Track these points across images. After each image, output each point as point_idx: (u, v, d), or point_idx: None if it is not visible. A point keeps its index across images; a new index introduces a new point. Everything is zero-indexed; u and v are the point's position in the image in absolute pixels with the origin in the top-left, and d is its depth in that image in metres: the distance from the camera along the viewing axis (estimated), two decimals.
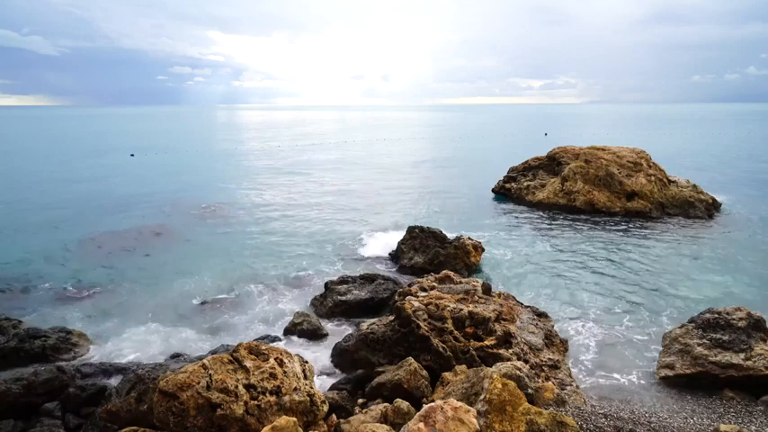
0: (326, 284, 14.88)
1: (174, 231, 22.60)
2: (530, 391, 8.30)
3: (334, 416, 8.02)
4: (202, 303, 14.51)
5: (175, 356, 11.20)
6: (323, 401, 7.79)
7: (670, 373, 10.04)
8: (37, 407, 9.30)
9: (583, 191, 24.43)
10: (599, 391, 9.81)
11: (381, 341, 10.59)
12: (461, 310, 10.78)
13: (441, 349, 9.90)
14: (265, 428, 6.36)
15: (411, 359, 9.48)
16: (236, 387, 7.20)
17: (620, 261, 17.58)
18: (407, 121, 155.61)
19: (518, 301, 12.80)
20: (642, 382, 10.16)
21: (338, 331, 12.69)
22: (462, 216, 24.81)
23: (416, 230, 17.86)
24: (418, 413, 6.63)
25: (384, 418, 7.65)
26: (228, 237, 21.72)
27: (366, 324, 11.49)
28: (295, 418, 6.60)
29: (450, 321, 10.53)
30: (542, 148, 32.72)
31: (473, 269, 16.55)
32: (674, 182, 25.82)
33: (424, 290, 12.42)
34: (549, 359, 10.25)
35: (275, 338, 12.18)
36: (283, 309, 14.13)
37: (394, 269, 17.25)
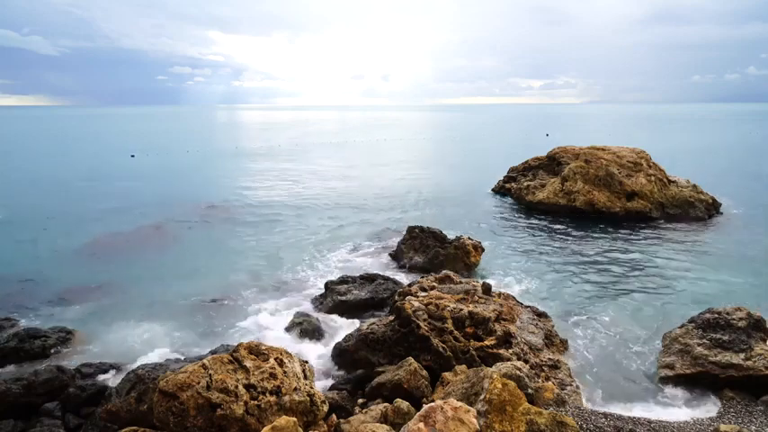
0: (326, 284, 14.89)
1: (175, 231, 22.60)
2: (530, 391, 8.31)
3: (334, 416, 8.03)
4: (202, 303, 14.51)
5: (175, 356, 11.20)
6: (323, 401, 7.79)
7: (670, 373, 10.05)
8: (37, 407, 9.31)
9: (583, 191, 24.42)
10: (599, 390, 9.81)
11: (381, 341, 10.59)
12: (461, 310, 10.78)
13: (441, 349, 9.91)
14: (265, 428, 6.36)
15: (411, 359, 9.48)
16: (236, 387, 7.21)
17: (620, 261, 17.58)
18: (407, 122, 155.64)
19: (518, 301, 12.80)
20: (642, 382, 10.16)
21: (338, 331, 12.69)
22: (462, 216, 24.81)
23: (416, 230, 17.87)
24: (418, 413, 6.63)
25: (384, 418, 7.65)
26: (229, 237, 21.72)
27: (366, 324, 11.50)
28: (295, 418, 6.60)
29: (450, 321, 10.54)
30: (542, 148, 32.72)
31: (473, 269, 16.54)
32: (674, 182, 25.81)
33: (424, 290, 12.42)
34: (549, 359, 10.25)
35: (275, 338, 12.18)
36: (283, 309, 14.12)
37: (394, 269, 17.25)
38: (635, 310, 13.61)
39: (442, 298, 11.47)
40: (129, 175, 39.58)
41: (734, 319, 10.36)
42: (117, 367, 10.83)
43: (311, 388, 7.86)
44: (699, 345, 10.18)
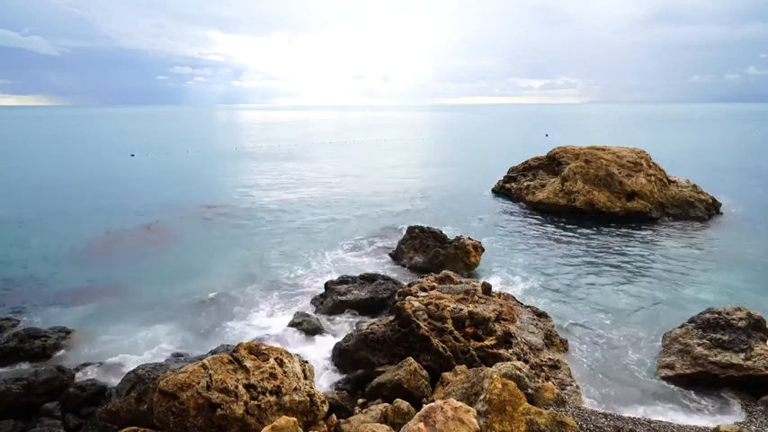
0: (326, 284, 14.89)
1: (174, 231, 22.60)
2: (530, 391, 8.31)
3: (334, 416, 8.03)
4: (202, 303, 14.51)
5: (175, 356, 11.20)
6: (323, 401, 7.79)
7: (670, 373, 10.05)
8: (37, 407, 9.31)
9: (583, 191, 24.43)
10: (599, 391, 9.81)
11: (381, 341, 10.59)
12: (461, 310, 10.78)
13: (441, 349, 9.91)
14: (265, 428, 6.36)
15: (411, 359, 9.48)
16: (236, 387, 7.21)
17: (620, 261, 17.58)
18: (407, 122, 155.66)
19: (518, 301, 12.80)
20: (642, 382, 10.16)
21: (338, 331, 12.70)
22: (462, 216, 24.82)
23: (416, 230, 17.86)
24: (418, 413, 6.63)
25: (384, 418, 7.65)
26: (228, 237, 21.72)
27: (366, 324, 11.50)
28: (295, 418, 6.60)
29: (450, 321, 10.54)
30: (542, 148, 32.73)
31: (473, 269, 16.55)
32: (674, 182, 25.82)
33: (424, 290, 12.42)
34: (549, 359, 10.25)
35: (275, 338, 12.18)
36: (283, 309, 14.13)
37: (394, 269, 17.25)
38: (635, 310, 13.61)
39: (442, 298, 11.47)
40: (128, 175, 39.58)
41: (734, 319, 10.36)
42: (117, 367, 10.84)
43: (311, 388, 7.86)
44: (699, 345, 10.18)
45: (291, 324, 12.64)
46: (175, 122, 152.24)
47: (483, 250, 17.22)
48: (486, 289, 12.39)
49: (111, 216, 25.25)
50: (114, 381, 9.90)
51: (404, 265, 17.16)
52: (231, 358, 7.74)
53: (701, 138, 77.49)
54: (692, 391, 9.63)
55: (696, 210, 23.71)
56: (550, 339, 11.21)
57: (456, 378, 8.67)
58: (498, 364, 9.00)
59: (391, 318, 11.03)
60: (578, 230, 21.66)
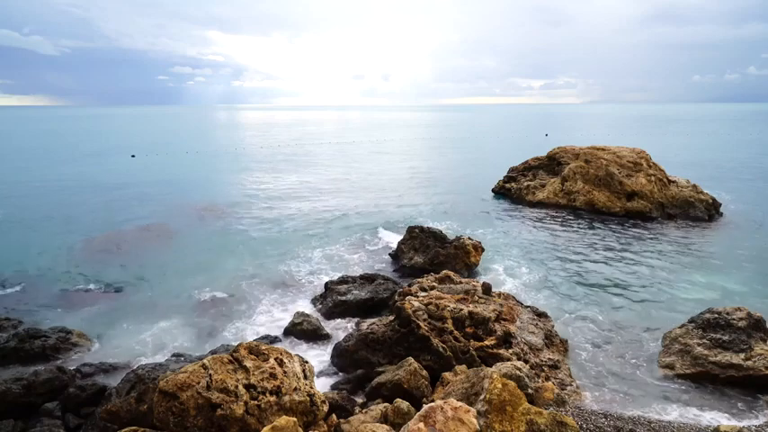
0: (326, 284, 14.90)
1: (174, 231, 22.60)
2: (530, 391, 8.31)
3: (334, 416, 8.02)
4: (202, 303, 14.51)
5: (175, 356, 11.20)
6: (323, 401, 7.78)
7: (670, 373, 10.05)
8: (37, 407, 9.32)
9: (583, 191, 24.42)
10: (599, 390, 9.81)
11: (381, 341, 10.59)
12: (461, 310, 10.78)
13: (441, 349, 9.91)
14: (265, 428, 6.35)
15: (411, 359, 9.48)
16: (236, 387, 7.20)
17: (620, 261, 17.58)
18: (408, 122, 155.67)
19: (518, 301, 12.80)
20: (642, 382, 10.15)
21: (338, 331, 12.70)
22: (462, 216, 24.82)
23: (416, 230, 17.86)
24: (418, 413, 6.63)
25: (384, 418, 7.65)
26: (228, 237, 21.72)
27: (366, 324, 11.50)
28: (295, 418, 6.60)
29: (450, 321, 10.54)
30: (542, 148, 32.73)
31: (473, 269, 16.54)
32: (674, 182, 25.81)
33: (424, 290, 12.42)
34: (549, 359, 10.25)
35: (275, 338, 12.19)
36: (283, 309, 14.14)
37: (394, 269, 17.25)
38: (635, 310, 13.61)
39: (442, 298, 11.47)
40: (129, 176, 39.58)
41: (734, 319, 10.37)
42: (117, 367, 10.84)
43: (311, 388, 7.85)
44: (699, 345, 10.18)
45: (291, 324, 12.64)
46: (176, 123, 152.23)
47: (483, 250, 17.21)
48: (487, 289, 12.39)
49: (111, 216, 25.27)
50: (114, 381, 9.90)
51: (404, 265, 17.16)
52: (231, 358, 7.73)
53: (701, 138, 77.48)
54: (692, 391, 9.63)
55: (696, 210, 23.70)
56: (550, 339, 11.21)
57: (456, 378, 8.67)
58: (498, 364, 9.00)
59: (391, 318, 11.03)
60: (578, 231, 21.65)
